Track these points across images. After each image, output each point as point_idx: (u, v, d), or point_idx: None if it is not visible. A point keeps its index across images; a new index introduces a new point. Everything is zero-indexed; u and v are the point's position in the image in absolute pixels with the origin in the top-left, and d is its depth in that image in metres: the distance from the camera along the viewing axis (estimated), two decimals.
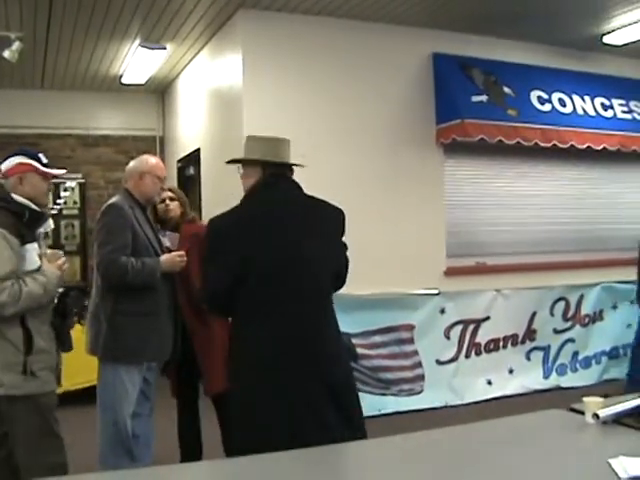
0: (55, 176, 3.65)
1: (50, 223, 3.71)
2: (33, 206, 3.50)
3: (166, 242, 4.69)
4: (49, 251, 3.63)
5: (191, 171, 8.48)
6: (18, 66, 7.81)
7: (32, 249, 3.46)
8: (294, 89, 6.72)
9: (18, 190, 3.51)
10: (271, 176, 3.38)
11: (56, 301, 3.66)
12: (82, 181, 8.88)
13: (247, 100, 6.59)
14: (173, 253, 4.52)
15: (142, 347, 4.29)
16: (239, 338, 3.37)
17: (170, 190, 4.98)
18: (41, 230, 3.63)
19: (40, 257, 3.53)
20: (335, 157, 6.37)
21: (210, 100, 7.69)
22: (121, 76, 8.59)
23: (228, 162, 3.58)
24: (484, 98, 7.12)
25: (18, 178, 3.52)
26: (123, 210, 4.34)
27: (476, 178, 7.61)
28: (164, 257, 4.43)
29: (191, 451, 5.07)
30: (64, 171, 3.68)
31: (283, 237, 3.37)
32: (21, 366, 3.39)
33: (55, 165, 3.70)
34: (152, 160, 4.60)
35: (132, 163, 4.60)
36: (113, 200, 4.50)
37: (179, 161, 8.93)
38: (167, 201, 4.94)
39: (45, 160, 3.60)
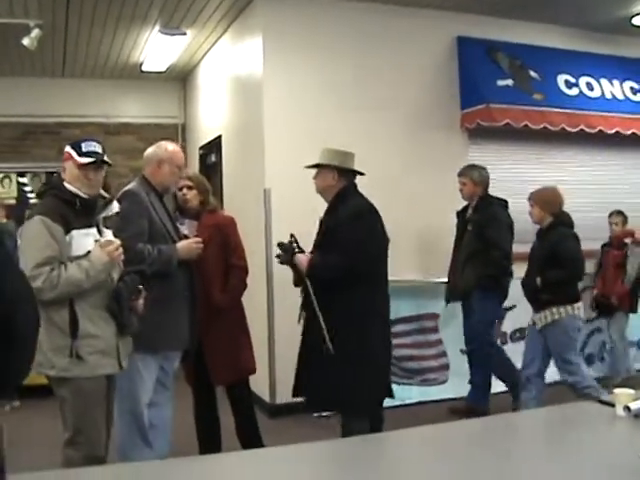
0: (86, 164, 3.57)
1: (113, 207, 3.80)
2: (82, 194, 3.56)
3: (184, 230, 4.61)
4: (103, 239, 3.63)
5: (213, 158, 8.40)
6: (39, 54, 7.81)
7: (80, 235, 3.51)
8: (315, 74, 6.61)
9: (65, 178, 3.60)
10: (352, 182, 4.61)
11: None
12: None
13: (267, 86, 6.49)
14: (190, 240, 4.46)
15: (157, 335, 4.22)
16: (356, 309, 4.40)
17: (189, 178, 4.89)
18: (101, 216, 3.70)
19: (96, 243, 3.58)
20: (357, 143, 6.17)
21: (231, 86, 7.60)
22: (141, 64, 8.52)
23: (310, 166, 4.66)
24: (509, 82, 6.99)
25: (63, 167, 3.64)
26: (139, 197, 4.29)
27: (501, 164, 7.43)
28: (180, 244, 4.37)
29: (209, 440, 5.01)
30: (90, 159, 3.55)
31: (382, 229, 4.57)
32: (68, 349, 3.44)
33: None
34: (171, 147, 4.53)
35: (150, 149, 4.53)
36: (129, 187, 4.45)
37: (201, 148, 8.85)
38: (185, 190, 4.86)
39: (87, 149, 3.59)
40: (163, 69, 8.68)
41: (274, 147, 6.42)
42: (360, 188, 4.64)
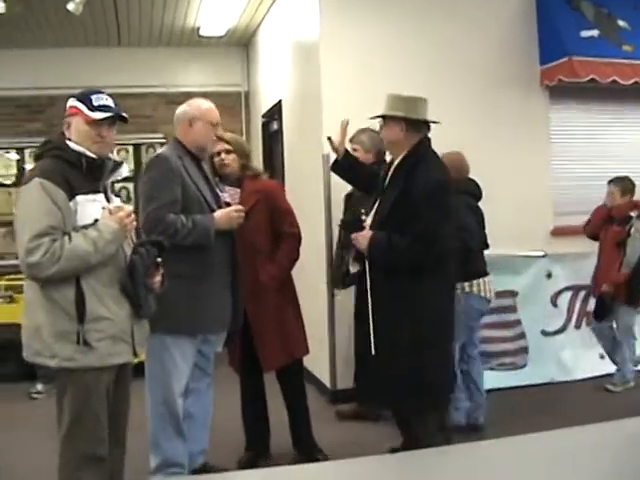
0: (99, 120, 3.10)
1: (122, 171, 3.27)
2: (89, 154, 3.08)
3: (225, 197, 4.12)
4: (112, 205, 3.17)
5: (275, 126, 7.96)
6: (92, 24, 7.64)
7: (87, 201, 3.04)
8: (376, 34, 6.03)
9: (67, 135, 3.13)
10: (425, 135, 4.04)
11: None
12: (163, 141, 8.47)
13: (324, 47, 5.99)
14: (229, 208, 3.99)
15: (192, 316, 3.84)
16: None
17: (226, 141, 4.38)
18: (110, 180, 3.24)
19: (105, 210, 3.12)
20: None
21: (290, 49, 7.14)
22: (199, 28, 8.15)
23: (375, 117, 4.13)
24: (595, 33, 6.28)
25: (67, 123, 3.15)
26: (170, 161, 3.86)
27: (587, 125, 6.79)
28: (219, 213, 3.92)
29: (256, 432, 4.59)
30: (106, 114, 3.10)
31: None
32: (74, 335, 2.97)
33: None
34: (204, 104, 4.08)
35: (180, 108, 4.10)
36: (159, 151, 4.04)
37: (263, 116, 8.43)
38: (222, 154, 4.38)
39: (99, 102, 3.12)
40: (222, 33, 8.29)
41: (332, 111, 5.87)
42: None
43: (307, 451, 4.52)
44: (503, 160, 6.22)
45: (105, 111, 3.11)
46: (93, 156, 3.10)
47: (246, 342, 4.35)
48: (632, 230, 5.86)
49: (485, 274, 4.96)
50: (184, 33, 8.40)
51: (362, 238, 3.93)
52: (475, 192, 5.06)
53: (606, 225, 6.03)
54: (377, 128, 4.25)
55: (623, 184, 5.99)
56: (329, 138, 4.41)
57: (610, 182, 6.05)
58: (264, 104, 8.37)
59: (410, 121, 3.99)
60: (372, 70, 5.96)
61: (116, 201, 3.28)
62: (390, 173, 4.04)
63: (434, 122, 4.07)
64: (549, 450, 2.23)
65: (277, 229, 4.42)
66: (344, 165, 4.48)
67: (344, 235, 4.82)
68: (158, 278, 3.29)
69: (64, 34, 8.06)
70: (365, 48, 6.02)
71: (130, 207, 3.22)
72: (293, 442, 4.58)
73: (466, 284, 4.82)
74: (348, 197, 5.34)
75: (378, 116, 4.10)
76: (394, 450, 4.30)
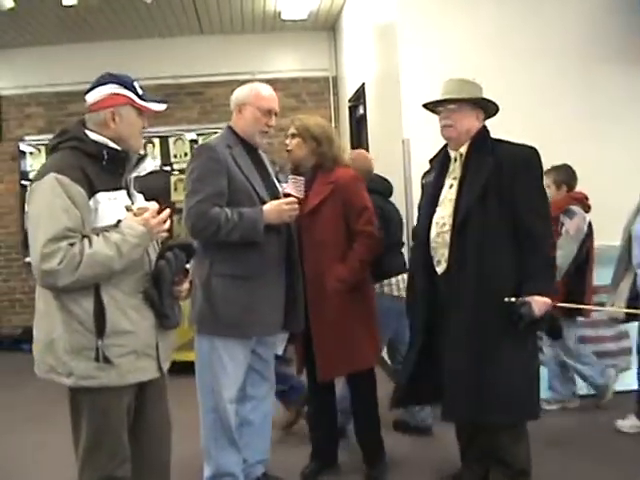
0: (154, 112, 2.86)
1: (147, 165, 2.93)
2: (112, 144, 2.75)
3: (285, 187, 3.74)
4: (135, 203, 2.85)
5: (360, 111, 7.62)
6: (171, 12, 7.56)
7: (108, 199, 2.71)
8: (458, 10, 5.60)
9: (108, 128, 2.76)
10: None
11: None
12: None
13: (402, 29, 5.64)
14: (280, 200, 3.62)
15: (242, 317, 3.55)
16: None
17: (295, 127, 3.99)
18: (133, 175, 2.90)
19: (127, 209, 2.79)
20: (510, 89, 5.10)
21: (371, 31, 6.77)
22: (280, 12, 7.90)
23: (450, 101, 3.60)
24: None
25: (111, 113, 2.76)
26: (215, 151, 3.56)
27: None
28: (268, 205, 3.58)
29: (324, 441, 4.24)
30: (164, 106, 2.88)
31: None
32: (93, 351, 2.66)
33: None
34: (256, 89, 3.73)
35: (235, 93, 3.78)
36: (208, 140, 3.76)
37: (349, 100, 8.09)
38: (288, 139, 4.02)
39: (141, 90, 2.83)
40: (304, 16, 8.00)
41: (412, 94, 5.49)
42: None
43: (374, 464, 4.15)
44: (606, 147, 5.63)
45: (153, 101, 2.85)
46: (117, 148, 2.77)
47: (311, 347, 3.99)
48: (563, 230, 4.98)
49: (397, 273, 4.57)
50: (266, 18, 8.18)
51: (544, 305, 3.33)
52: (383, 189, 4.74)
53: None
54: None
55: (556, 175, 5.08)
56: None
57: (546, 172, 5.20)
58: (350, 88, 8.05)
59: (485, 108, 3.61)
60: (453, 51, 5.54)
61: (139, 199, 2.95)
62: (460, 167, 3.55)
63: (496, 111, 3.67)
64: None
65: (350, 226, 3.95)
66: None
67: None
68: (186, 285, 2.97)
69: (143, 25, 8.00)
70: (444, 29, 5.61)
71: (155, 206, 2.85)
72: (362, 452, 4.20)
73: (377, 285, 4.45)
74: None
75: (453, 100, 3.59)
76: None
